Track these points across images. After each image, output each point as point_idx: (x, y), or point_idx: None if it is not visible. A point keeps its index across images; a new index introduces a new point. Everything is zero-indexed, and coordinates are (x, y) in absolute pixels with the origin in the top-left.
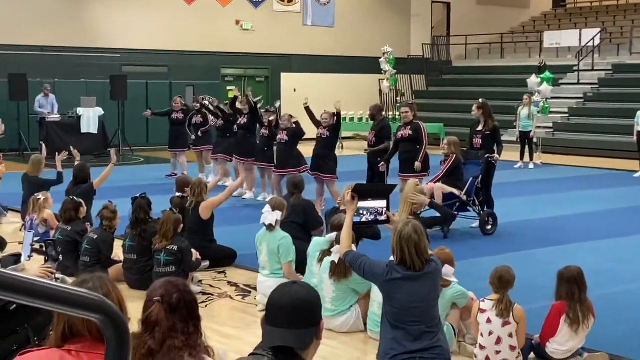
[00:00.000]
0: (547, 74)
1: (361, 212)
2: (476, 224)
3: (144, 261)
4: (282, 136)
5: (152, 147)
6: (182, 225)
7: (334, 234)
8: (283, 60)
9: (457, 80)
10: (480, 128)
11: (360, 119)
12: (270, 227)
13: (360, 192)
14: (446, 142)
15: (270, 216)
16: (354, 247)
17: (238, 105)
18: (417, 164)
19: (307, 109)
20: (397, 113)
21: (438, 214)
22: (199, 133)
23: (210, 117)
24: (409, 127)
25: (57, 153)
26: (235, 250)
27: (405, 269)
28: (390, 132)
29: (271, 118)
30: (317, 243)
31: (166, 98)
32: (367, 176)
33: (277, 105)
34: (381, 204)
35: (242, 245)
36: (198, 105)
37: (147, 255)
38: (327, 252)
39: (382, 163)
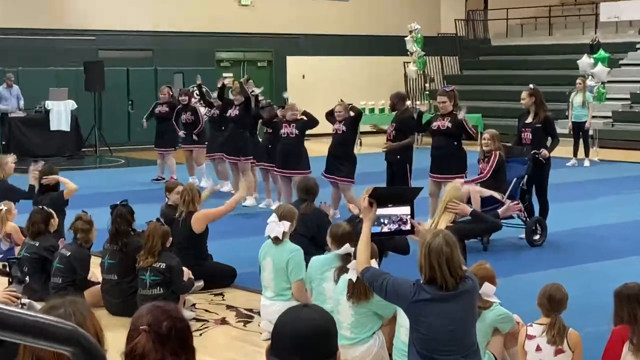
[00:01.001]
0: (602, 53)
1: (381, 220)
2: (522, 234)
3: (126, 282)
4: (289, 129)
5: (135, 147)
6: (170, 239)
7: (343, 248)
8: (289, 41)
9: (497, 62)
10: (530, 120)
11: (382, 110)
12: (276, 240)
13: (379, 197)
14: (488, 137)
15: (277, 227)
16: (374, 263)
17: (231, 95)
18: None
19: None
20: (425, 102)
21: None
22: (194, 136)
23: (202, 110)
24: (448, 118)
25: (32, 162)
26: (235, 267)
27: (436, 288)
28: (414, 125)
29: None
30: (318, 263)
31: (151, 88)
32: (387, 177)
33: (286, 96)
34: (404, 210)
35: (243, 261)
36: (186, 99)
37: (129, 275)
38: (342, 269)
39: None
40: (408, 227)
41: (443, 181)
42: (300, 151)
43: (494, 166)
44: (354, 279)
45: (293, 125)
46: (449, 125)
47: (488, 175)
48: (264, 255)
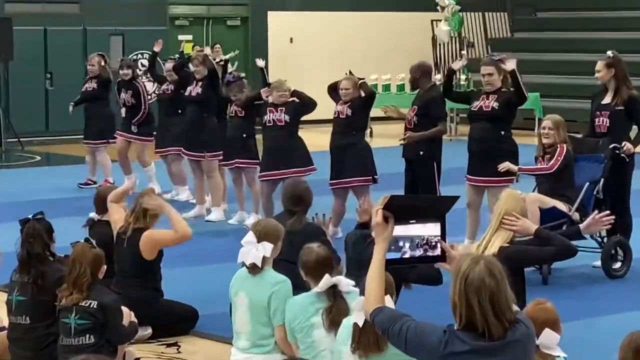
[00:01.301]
0: None
1: (400, 243)
2: (597, 260)
3: (42, 327)
4: (276, 116)
5: (56, 137)
6: (104, 267)
7: (322, 283)
8: None
9: (562, 20)
10: (607, 100)
11: (402, 87)
12: (254, 269)
13: (397, 210)
14: (549, 125)
15: (255, 251)
16: (389, 302)
17: (191, 66)
18: (505, 165)
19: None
20: (461, 77)
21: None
22: (132, 127)
23: (149, 87)
24: (495, 97)
25: None
26: (195, 308)
27: (476, 336)
28: (444, 108)
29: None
30: (298, 307)
31: (78, 56)
32: (405, 182)
33: (261, 63)
34: (432, 229)
35: (207, 298)
36: (129, 72)
37: (47, 318)
38: (331, 310)
39: None
40: (437, 252)
41: (487, 186)
42: (294, 144)
43: (558, 162)
44: (361, 324)
45: (281, 110)
46: (495, 105)
47: (554, 169)
48: (237, 290)
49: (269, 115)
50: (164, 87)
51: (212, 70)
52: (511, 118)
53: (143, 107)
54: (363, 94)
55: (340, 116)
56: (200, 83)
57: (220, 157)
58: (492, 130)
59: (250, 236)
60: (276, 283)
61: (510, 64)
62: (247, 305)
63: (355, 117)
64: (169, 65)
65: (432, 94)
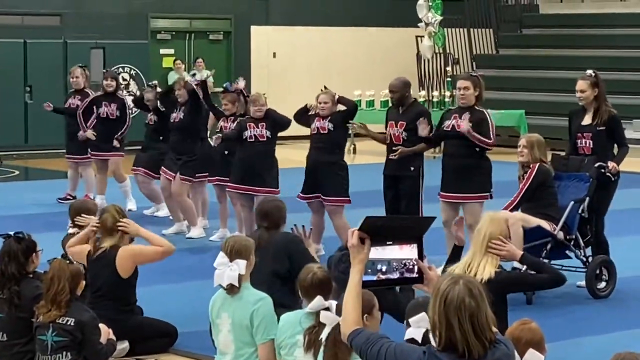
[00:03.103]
0: None
1: (376, 265)
2: (582, 281)
3: (19, 345)
4: (257, 131)
5: (35, 152)
6: (82, 284)
7: (313, 302)
8: (255, 4)
9: (547, 37)
10: (587, 121)
11: (386, 103)
12: (232, 289)
13: (373, 231)
14: (523, 143)
15: (229, 271)
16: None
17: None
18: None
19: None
20: (446, 93)
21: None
22: (114, 141)
23: (128, 101)
24: (469, 114)
25: None
26: (174, 325)
27: (456, 357)
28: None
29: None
30: (288, 323)
31: (59, 69)
32: (387, 199)
33: (239, 84)
34: (409, 250)
35: (186, 315)
36: (112, 84)
37: (24, 335)
38: (312, 331)
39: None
40: (415, 274)
41: (462, 203)
42: (272, 161)
43: (528, 182)
44: (326, 339)
45: (262, 125)
46: (470, 124)
47: (519, 197)
48: (218, 312)
49: (250, 131)
50: (150, 116)
51: (191, 91)
52: (485, 134)
53: (127, 121)
54: (344, 108)
55: (321, 131)
56: (182, 108)
57: (206, 176)
58: (466, 148)
59: (221, 257)
60: (256, 301)
61: (464, 125)
62: (230, 326)
63: (338, 131)
64: (149, 95)
65: (419, 109)
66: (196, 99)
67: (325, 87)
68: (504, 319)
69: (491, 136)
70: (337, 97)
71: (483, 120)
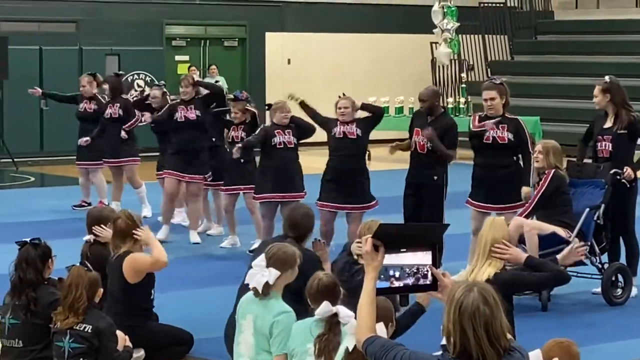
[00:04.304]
0: None
1: (390, 272)
2: (598, 288)
3: (35, 351)
4: (285, 138)
5: (51, 158)
6: (101, 291)
7: (320, 309)
8: (269, 11)
9: (562, 43)
10: (608, 125)
11: (400, 110)
12: (257, 293)
13: (387, 238)
14: (539, 149)
15: (260, 276)
16: (381, 330)
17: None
18: (526, 190)
19: (303, 105)
20: (460, 100)
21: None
22: (122, 133)
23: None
24: (505, 124)
25: None
26: (190, 332)
27: None
28: (457, 136)
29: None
30: (299, 331)
31: (74, 75)
32: (407, 207)
33: (240, 95)
34: (423, 257)
35: (202, 322)
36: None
37: (40, 341)
38: (323, 339)
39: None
40: (428, 280)
41: (503, 213)
42: (299, 167)
43: (543, 189)
44: (351, 348)
45: (289, 132)
46: (511, 137)
47: (534, 204)
48: (244, 312)
49: (279, 137)
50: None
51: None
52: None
53: (137, 115)
54: (370, 114)
55: (349, 136)
56: (192, 106)
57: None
58: (507, 158)
59: (261, 259)
60: (279, 313)
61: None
62: (252, 329)
63: (365, 137)
64: (156, 92)
65: (447, 121)
66: (207, 96)
67: (343, 94)
68: (510, 321)
69: (529, 145)
70: (360, 104)
71: (519, 128)
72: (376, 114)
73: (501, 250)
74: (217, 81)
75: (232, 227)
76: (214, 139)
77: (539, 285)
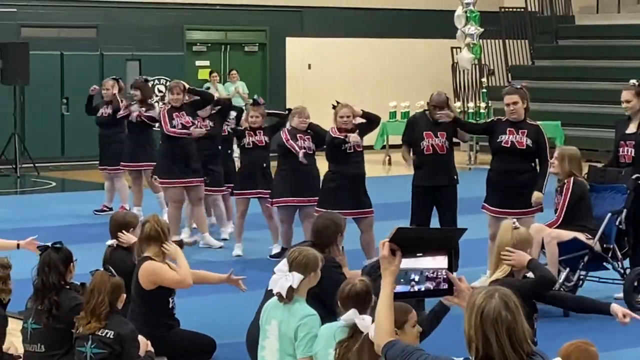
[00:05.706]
0: None
1: (410, 276)
2: (620, 293)
3: (57, 356)
4: (306, 144)
5: (72, 163)
6: (124, 296)
7: (346, 315)
8: (290, 16)
9: (583, 48)
10: (632, 129)
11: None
12: (281, 298)
13: (404, 242)
14: (555, 154)
15: (283, 280)
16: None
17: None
18: (538, 196)
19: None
20: (481, 104)
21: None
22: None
23: (157, 107)
24: (524, 130)
25: None
26: (213, 338)
27: None
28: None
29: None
30: (326, 334)
31: (95, 81)
32: (424, 211)
33: (258, 101)
34: (440, 262)
35: (224, 327)
36: (137, 93)
37: (62, 346)
38: (343, 345)
39: None
40: (445, 286)
41: (520, 218)
42: (317, 173)
43: (567, 198)
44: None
45: (308, 138)
46: (530, 143)
47: (562, 215)
48: (269, 317)
49: (301, 142)
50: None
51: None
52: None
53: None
54: (364, 120)
55: (357, 148)
56: (183, 112)
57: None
58: (523, 163)
59: (283, 264)
60: (304, 316)
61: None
62: (277, 333)
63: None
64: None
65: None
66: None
67: (337, 102)
68: (531, 326)
69: (547, 154)
70: (360, 111)
71: (539, 135)
72: (375, 122)
73: (506, 257)
74: (235, 87)
75: (239, 235)
76: (219, 147)
77: (525, 292)
